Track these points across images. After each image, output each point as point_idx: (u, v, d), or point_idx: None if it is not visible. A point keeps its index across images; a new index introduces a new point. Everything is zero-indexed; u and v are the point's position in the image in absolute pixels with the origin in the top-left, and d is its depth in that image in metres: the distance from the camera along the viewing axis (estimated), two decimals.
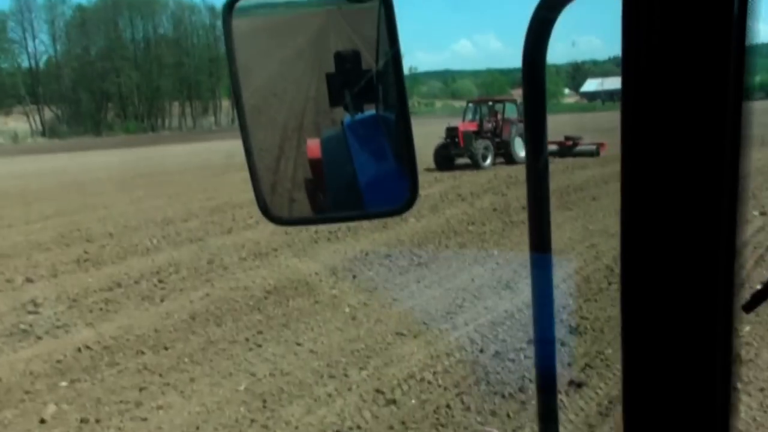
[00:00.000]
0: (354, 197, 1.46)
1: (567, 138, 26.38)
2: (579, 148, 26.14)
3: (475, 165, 24.09)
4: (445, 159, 25.11)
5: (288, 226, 2.23)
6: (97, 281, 10.35)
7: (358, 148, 1.54)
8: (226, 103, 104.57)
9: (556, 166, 22.28)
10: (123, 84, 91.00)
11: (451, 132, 25.51)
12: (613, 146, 25.52)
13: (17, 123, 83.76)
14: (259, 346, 7.14)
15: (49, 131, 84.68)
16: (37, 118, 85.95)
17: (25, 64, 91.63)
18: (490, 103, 27.62)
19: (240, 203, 18.20)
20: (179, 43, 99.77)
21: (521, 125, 24.87)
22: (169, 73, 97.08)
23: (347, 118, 1.50)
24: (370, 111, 1.49)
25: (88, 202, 20.71)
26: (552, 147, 25.81)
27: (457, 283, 9.09)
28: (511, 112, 26.64)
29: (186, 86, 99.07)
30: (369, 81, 1.37)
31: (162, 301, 9.05)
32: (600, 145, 25.49)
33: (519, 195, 16.46)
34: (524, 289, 8.53)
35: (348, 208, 1.56)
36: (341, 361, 6.52)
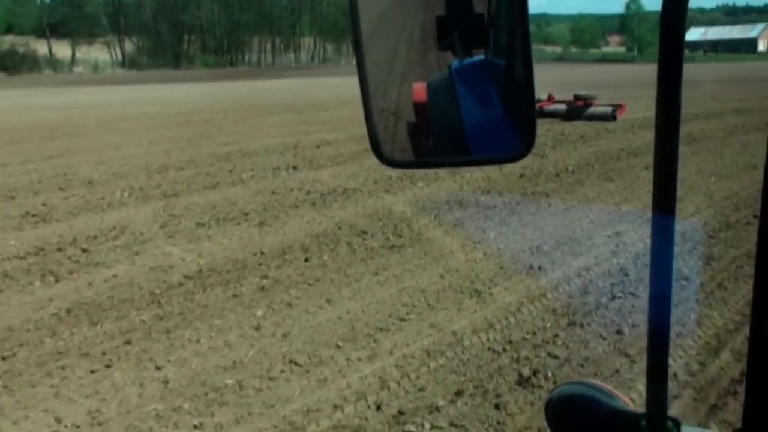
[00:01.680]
0: (460, 143, 1.41)
1: (577, 97, 21.70)
2: (591, 110, 21.33)
3: None
4: None
5: (398, 168, 2.09)
6: (20, 244, 8.80)
7: (466, 93, 1.46)
8: (307, 40, 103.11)
9: (548, 132, 19.71)
10: (204, 17, 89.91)
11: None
12: (641, 109, 22.40)
13: (99, 53, 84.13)
14: (108, 366, 5.37)
15: (129, 62, 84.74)
16: (118, 49, 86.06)
17: None
18: None
19: (252, 151, 16.58)
20: None
21: None
22: (251, 7, 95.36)
23: (455, 62, 1.43)
24: (478, 56, 1.44)
25: (106, 141, 19.44)
26: (558, 107, 22.03)
27: (414, 282, 7.12)
28: None
29: (267, 22, 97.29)
30: (480, 25, 1.37)
31: (58, 281, 7.39)
32: (617, 108, 21.09)
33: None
34: (489, 302, 6.52)
35: (454, 154, 1.48)
36: (183, 408, 4.68)
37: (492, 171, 13.03)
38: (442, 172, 13.07)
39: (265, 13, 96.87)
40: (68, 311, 6.49)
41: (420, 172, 13.11)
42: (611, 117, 20.57)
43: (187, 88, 49.15)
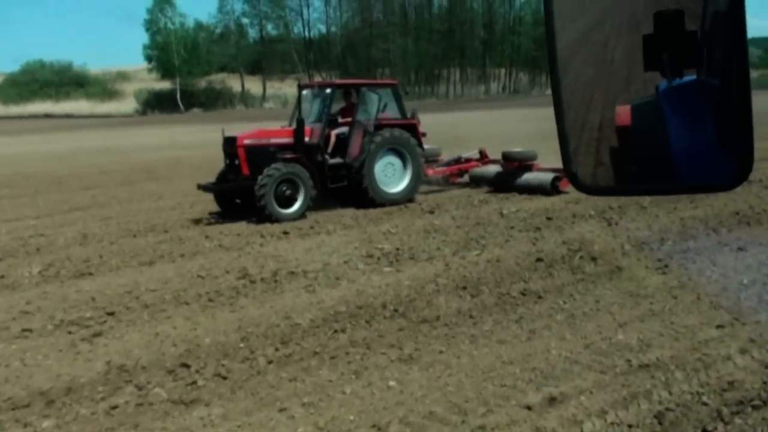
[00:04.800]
0: (667, 170, 1.33)
1: (507, 157, 14.87)
2: (526, 176, 14.40)
3: (260, 212, 12.35)
4: (223, 198, 13.57)
5: (595, 195, 1.52)
6: None
7: (675, 116, 1.38)
8: (498, 71, 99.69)
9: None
10: (392, 50, 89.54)
11: (229, 145, 13.14)
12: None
13: (290, 89, 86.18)
14: None
15: None
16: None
17: (299, 32, 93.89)
18: (328, 90, 14.09)
19: None
20: (452, 10, 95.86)
21: (396, 132, 12.22)
22: (441, 39, 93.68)
23: (663, 83, 1.38)
24: (689, 76, 1.36)
25: (165, 188, 18.43)
26: (488, 170, 15.76)
27: None
28: (369, 108, 13.70)
29: (458, 53, 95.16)
30: (692, 43, 1.28)
31: None
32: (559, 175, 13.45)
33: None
34: None
35: (660, 181, 1.40)
36: None
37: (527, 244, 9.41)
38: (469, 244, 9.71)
39: (455, 45, 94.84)
40: None
41: (423, 249, 9.87)
42: (551, 188, 13.68)
43: None
